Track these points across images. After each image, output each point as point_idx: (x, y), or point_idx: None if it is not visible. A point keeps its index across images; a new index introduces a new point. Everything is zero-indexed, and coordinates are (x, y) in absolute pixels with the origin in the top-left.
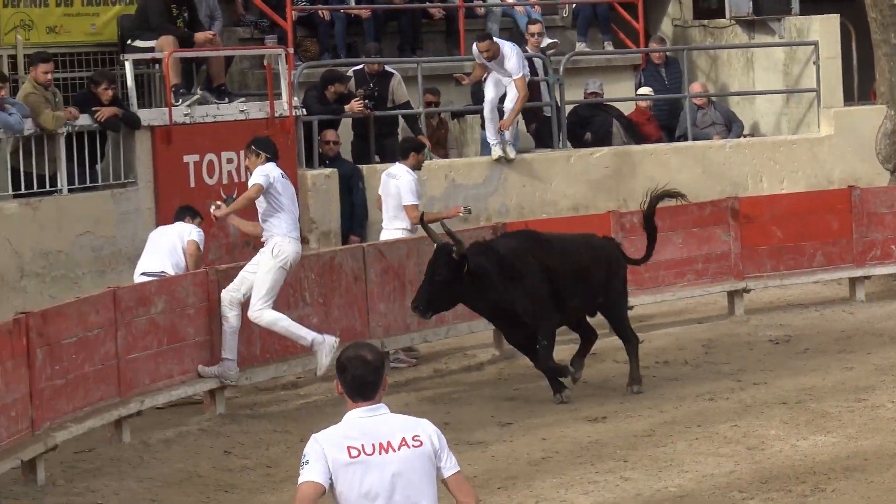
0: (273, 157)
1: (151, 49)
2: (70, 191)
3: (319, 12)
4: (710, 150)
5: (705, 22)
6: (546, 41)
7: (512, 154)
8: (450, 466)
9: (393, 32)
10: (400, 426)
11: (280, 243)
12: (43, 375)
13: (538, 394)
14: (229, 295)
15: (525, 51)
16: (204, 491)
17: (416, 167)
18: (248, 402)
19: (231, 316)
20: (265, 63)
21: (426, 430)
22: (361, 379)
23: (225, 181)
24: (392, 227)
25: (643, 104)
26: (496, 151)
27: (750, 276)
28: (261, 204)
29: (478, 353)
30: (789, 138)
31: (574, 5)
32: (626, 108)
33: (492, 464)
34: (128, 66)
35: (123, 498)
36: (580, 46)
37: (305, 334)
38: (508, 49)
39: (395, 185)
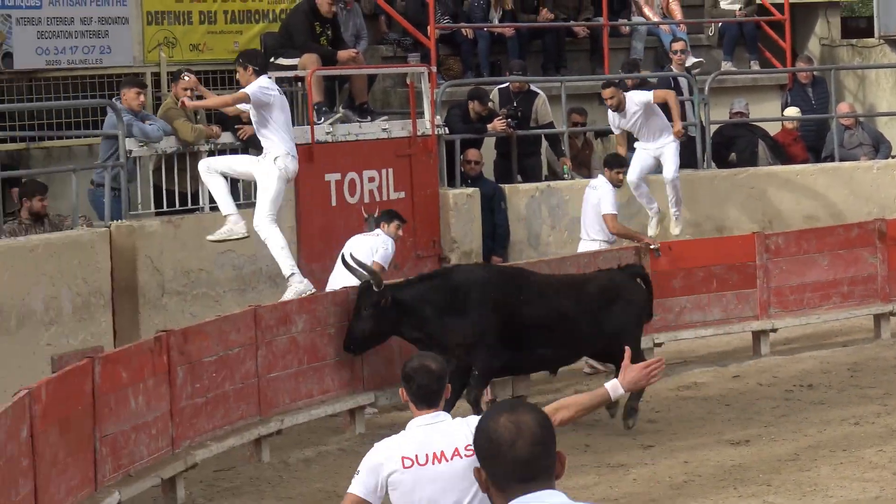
0: (262, 69)
1: (294, 67)
2: (212, 209)
3: (463, 30)
4: (858, 172)
5: (853, 41)
6: (691, 60)
7: (677, 230)
8: None
9: (537, 51)
10: (456, 435)
11: (281, 157)
12: (184, 394)
13: (681, 416)
14: (207, 164)
15: (669, 70)
16: None
17: (615, 183)
18: (388, 422)
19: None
20: (408, 81)
21: None
22: (426, 388)
23: (367, 200)
24: (590, 238)
25: (789, 124)
26: (666, 226)
27: None
28: (255, 118)
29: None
30: None
31: (720, 24)
32: (773, 129)
33: (633, 487)
34: None
35: None
36: (726, 65)
37: (289, 265)
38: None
39: (595, 195)
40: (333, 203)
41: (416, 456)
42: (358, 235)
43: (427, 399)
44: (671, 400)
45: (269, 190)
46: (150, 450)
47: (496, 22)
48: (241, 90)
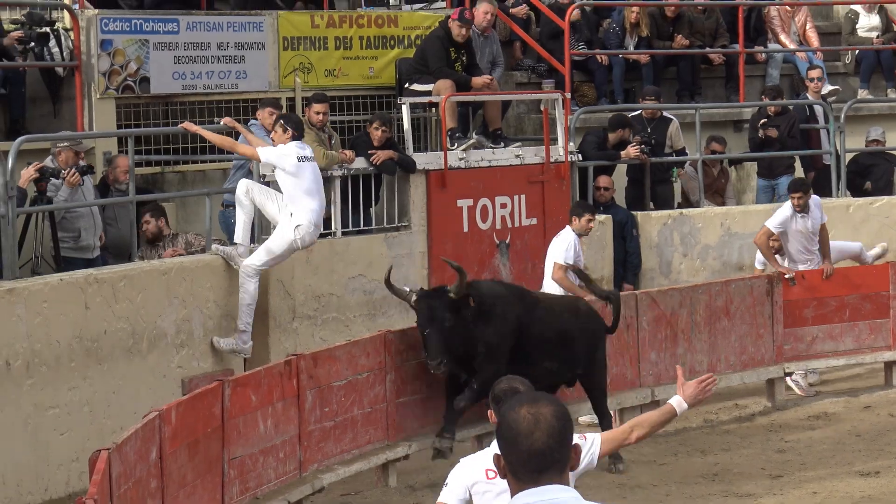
0: (299, 135)
1: (429, 93)
2: (344, 233)
3: (598, 57)
4: None
5: None
6: (827, 88)
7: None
8: (592, 448)
9: (672, 78)
10: None
11: (304, 226)
12: (312, 417)
13: (811, 447)
14: (246, 186)
15: (805, 97)
16: None
17: (583, 232)
18: (421, 481)
19: (250, 286)
20: (542, 108)
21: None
22: None
23: (498, 226)
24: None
25: None
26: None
27: None
28: (284, 184)
29: (749, 404)
30: None
31: (857, 51)
32: None
33: None
34: (404, 110)
35: None
36: (862, 93)
37: (246, 323)
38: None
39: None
40: (465, 229)
41: None
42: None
43: None
44: (801, 430)
45: (276, 248)
46: (277, 473)
47: (631, 48)
48: (259, 148)
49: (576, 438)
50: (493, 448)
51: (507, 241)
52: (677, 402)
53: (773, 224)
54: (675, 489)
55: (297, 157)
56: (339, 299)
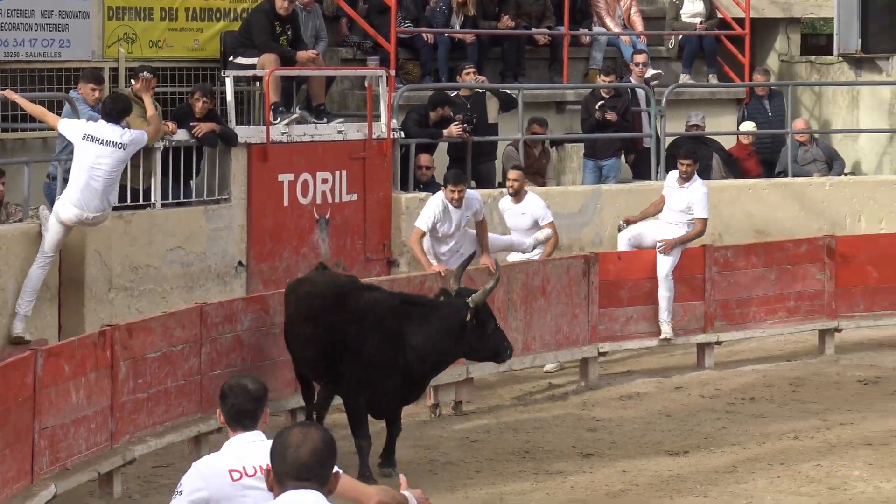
0: (108, 115)
1: (253, 66)
2: (163, 205)
3: (423, 35)
4: (810, 188)
5: (812, 58)
6: (650, 72)
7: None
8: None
9: (496, 58)
10: None
11: (61, 203)
12: (125, 388)
13: (622, 426)
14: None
15: (628, 80)
16: None
17: (454, 203)
18: (328, 423)
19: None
20: (366, 84)
21: None
22: (240, 407)
23: (319, 201)
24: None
25: (745, 139)
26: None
27: (843, 316)
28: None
29: (562, 383)
30: (891, 178)
31: (680, 37)
32: (728, 143)
33: (570, 494)
34: (228, 83)
35: None
36: (684, 78)
37: (25, 307)
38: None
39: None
40: (286, 203)
41: (244, 468)
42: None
43: (241, 419)
44: (613, 409)
45: (48, 239)
46: (88, 444)
47: (457, 28)
48: (61, 120)
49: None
50: (226, 450)
51: (327, 217)
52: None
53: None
54: (487, 466)
55: (83, 135)
56: (157, 271)
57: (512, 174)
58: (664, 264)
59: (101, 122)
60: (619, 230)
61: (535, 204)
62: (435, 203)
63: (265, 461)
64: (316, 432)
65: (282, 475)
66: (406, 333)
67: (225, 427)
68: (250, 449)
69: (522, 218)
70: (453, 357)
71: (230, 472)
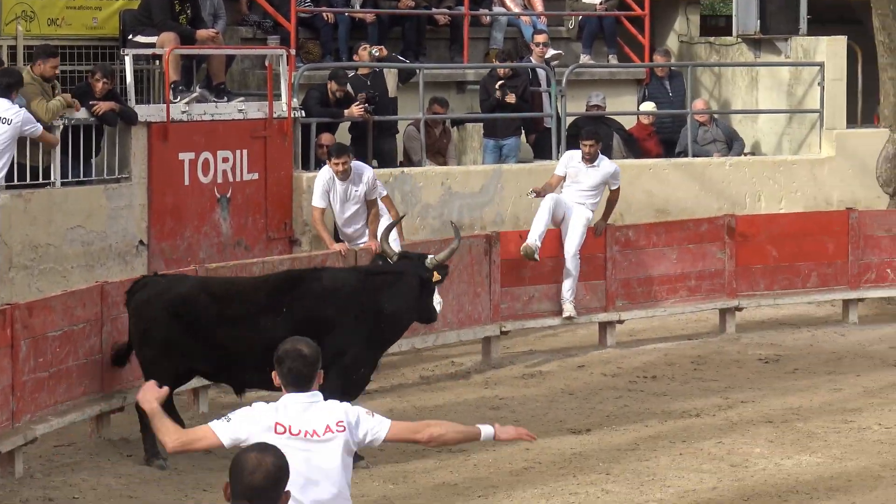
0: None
1: (152, 45)
2: (63, 184)
3: (323, 14)
4: (710, 168)
5: (711, 39)
6: (550, 52)
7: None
8: (376, 427)
9: (396, 38)
10: (330, 414)
11: None
12: (26, 367)
13: (525, 404)
14: None
15: (529, 61)
16: (182, 489)
17: (340, 176)
18: (231, 402)
19: None
20: (266, 63)
21: (346, 412)
22: (297, 371)
23: (220, 180)
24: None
25: (645, 119)
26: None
27: (743, 295)
28: None
29: (465, 362)
30: (790, 158)
31: (580, 17)
32: (628, 123)
33: (473, 472)
34: (127, 62)
35: (100, 493)
36: (584, 59)
37: None
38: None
39: None
40: (186, 182)
41: (290, 426)
42: None
43: (297, 382)
44: (515, 388)
45: None
46: None
47: (357, 7)
48: None
49: (363, 415)
50: (281, 403)
51: (228, 196)
52: (487, 428)
53: (316, 200)
54: (389, 446)
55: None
56: (57, 250)
57: (587, 141)
58: (572, 242)
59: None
60: (534, 196)
61: (608, 167)
62: (322, 177)
63: (311, 426)
64: (270, 458)
65: (236, 494)
66: (380, 304)
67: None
68: (304, 411)
69: (594, 175)
70: (410, 321)
71: (276, 424)
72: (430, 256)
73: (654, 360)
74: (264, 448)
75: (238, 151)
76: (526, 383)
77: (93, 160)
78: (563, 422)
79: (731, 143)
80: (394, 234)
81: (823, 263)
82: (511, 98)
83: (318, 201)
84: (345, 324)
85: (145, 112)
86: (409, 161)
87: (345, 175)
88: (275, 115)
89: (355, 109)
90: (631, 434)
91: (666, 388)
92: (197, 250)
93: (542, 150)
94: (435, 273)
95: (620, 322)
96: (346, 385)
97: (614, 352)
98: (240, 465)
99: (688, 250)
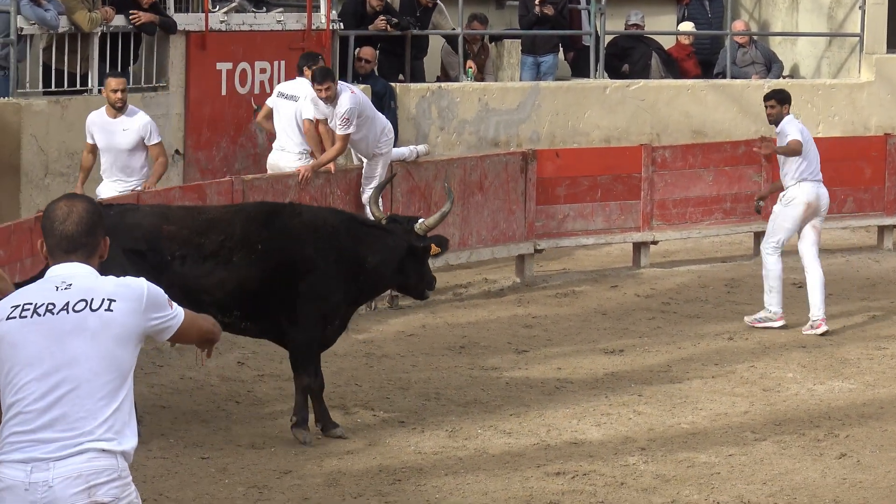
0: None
1: None
2: (100, 91)
3: None
4: (748, 90)
5: None
6: None
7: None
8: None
9: None
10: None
11: None
12: None
13: (558, 323)
14: None
15: None
16: (214, 400)
17: (325, 101)
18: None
19: None
20: None
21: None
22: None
23: (257, 91)
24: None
25: (684, 39)
26: None
27: None
28: None
29: (498, 279)
30: (829, 82)
31: None
32: (667, 43)
33: (505, 391)
34: None
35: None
36: None
37: None
38: None
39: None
40: (223, 92)
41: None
42: None
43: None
44: (548, 306)
45: None
46: None
47: None
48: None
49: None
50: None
51: (262, 107)
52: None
53: (308, 113)
54: (422, 360)
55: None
56: None
57: (769, 102)
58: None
59: None
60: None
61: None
62: (314, 96)
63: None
64: (80, 203)
65: (52, 247)
66: (361, 253)
67: None
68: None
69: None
70: (390, 285)
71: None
72: (420, 220)
73: (688, 282)
74: (72, 196)
75: (276, 62)
76: (559, 302)
77: (130, 68)
78: (595, 342)
79: (770, 66)
80: None
81: (860, 189)
82: (549, 10)
83: (308, 113)
84: (323, 266)
85: (184, 21)
86: (446, 77)
87: (328, 101)
88: (313, 27)
89: (379, 23)
90: (664, 356)
91: (699, 310)
92: (233, 161)
93: (580, 68)
94: (433, 246)
95: (655, 243)
96: (305, 337)
97: (648, 272)
98: (49, 217)
99: (724, 172)
